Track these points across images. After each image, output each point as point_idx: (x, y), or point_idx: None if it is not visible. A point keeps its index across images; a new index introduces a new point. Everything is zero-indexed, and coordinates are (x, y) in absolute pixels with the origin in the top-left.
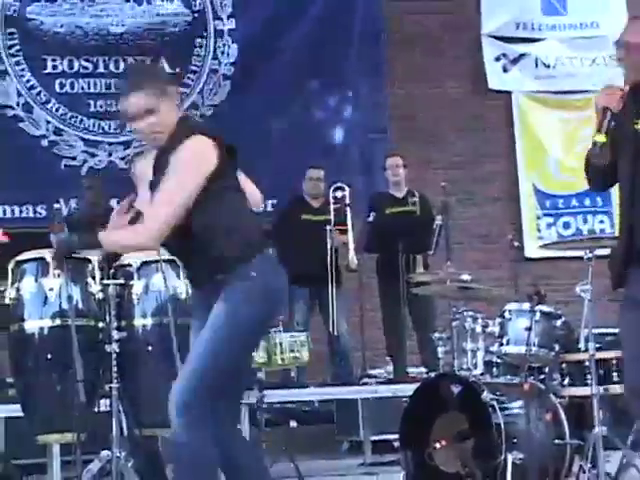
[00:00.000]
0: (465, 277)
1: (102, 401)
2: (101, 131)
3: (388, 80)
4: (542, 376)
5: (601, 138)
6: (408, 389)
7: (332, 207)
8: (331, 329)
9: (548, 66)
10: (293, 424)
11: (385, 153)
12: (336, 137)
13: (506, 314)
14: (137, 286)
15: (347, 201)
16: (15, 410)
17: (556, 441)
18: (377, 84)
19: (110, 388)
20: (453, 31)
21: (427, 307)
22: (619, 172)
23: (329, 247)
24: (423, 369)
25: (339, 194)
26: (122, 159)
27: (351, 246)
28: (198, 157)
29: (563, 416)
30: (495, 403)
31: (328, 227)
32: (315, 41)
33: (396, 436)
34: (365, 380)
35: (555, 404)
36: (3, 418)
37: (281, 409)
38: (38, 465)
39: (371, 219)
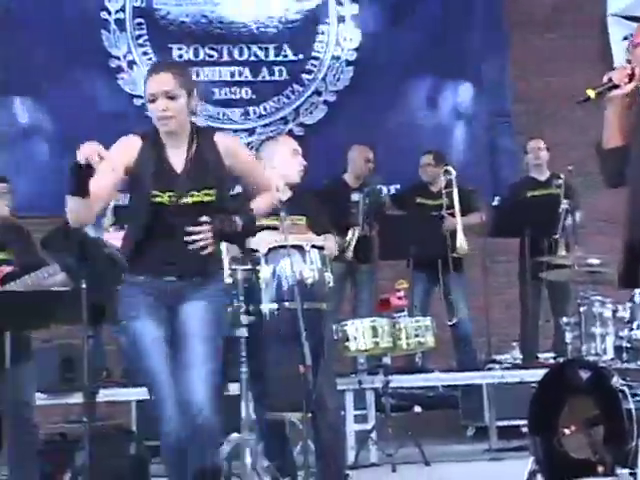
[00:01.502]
0: (593, 261)
1: (231, 385)
2: (226, 118)
3: (510, 63)
4: None
5: (591, 93)
6: (535, 375)
7: (443, 191)
8: (449, 315)
9: None
10: (418, 409)
11: (509, 137)
12: (459, 122)
13: (636, 298)
14: (265, 271)
15: (454, 185)
16: (147, 393)
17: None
18: (500, 67)
19: (239, 372)
20: (577, 11)
21: (565, 291)
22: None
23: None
24: (550, 354)
25: (447, 177)
26: (247, 145)
27: (459, 231)
28: None
29: None
30: (625, 389)
31: (442, 212)
32: (437, 26)
33: (522, 422)
34: (490, 365)
35: None
36: (135, 401)
37: (406, 394)
38: None
39: (496, 203)
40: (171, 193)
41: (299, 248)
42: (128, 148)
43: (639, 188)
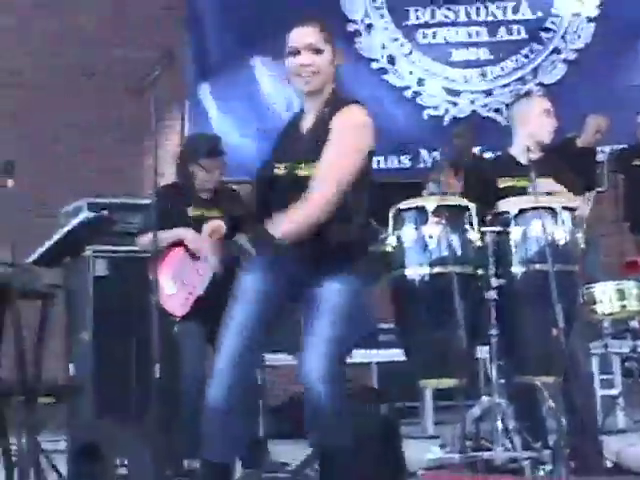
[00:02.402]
0: None
1: (481, 348)
2: (463, 80)
3: None
4: None
5: None
6: None
7: None
8: None
9: None
10: None
11: None
12: None
13: None
14: (515, 233)
15: None
16: (387, 355)
17: None
18: None
19: (489, 335)
20: None
21: None
22: None
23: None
24: None
25: None
26: (484, 107)
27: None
28: (366, 129)
29: None
30: None
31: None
32: None
33: None
34: None
35: None
36: (375, 362)
37: None
38: (411, 408)
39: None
40: (285, 163)
41: (550, 210)
42: None
43: None
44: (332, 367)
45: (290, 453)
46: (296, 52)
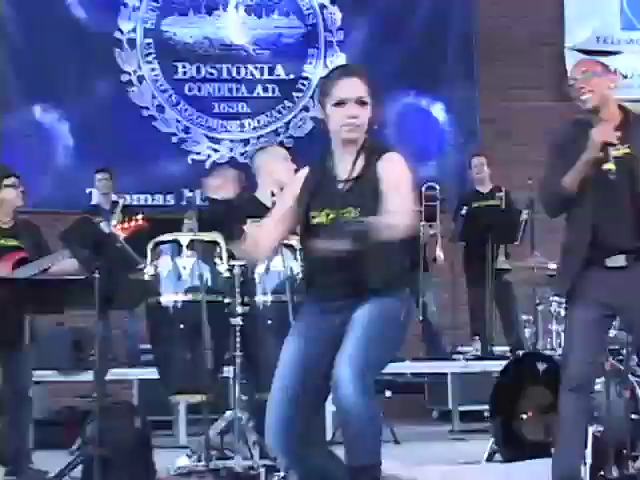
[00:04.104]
0: (551, 266)
1: (226, 368)
2: (224, 130)
3: (478, 87)
4: (621, 357)
5: (611, 166)
6: (495, 365)
7: (423, 204)
8: (420, 312)
9: (625, 77)
10: (388, 393)
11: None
12: (431, 139)
13: None
14: (259, 267)
15: (438, 200)
16: (147, 373)
17: (633, 416)
18: (469, 89)
19: (233, 356)
20: (538, 44)
21: (509, 293)
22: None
23: (420, 241)
24: (508, 348)
25: (430, 193)
26: (242, 154)
27: (438, 242)
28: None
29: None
30: None
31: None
32: (413, 52)
33: (481, 407)
34: (455, 356)
35: (633, 383)
36: (137, 380)
37: (378, 380)
38: (165, 422)
39: (464, 212)
40: (329, 210)
41: (289, 247)
42: (298, 177)
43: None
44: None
45: (53, 461)
46: (342, 103)
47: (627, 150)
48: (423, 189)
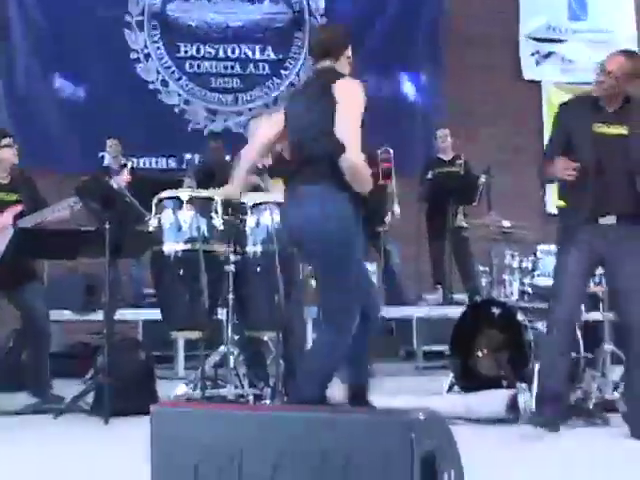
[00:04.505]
0: (506, 223)
1: (220, 309)
2: (220, 102)
3: (445, 69)
4: None
5: (562, 203)
6: (455, 311)
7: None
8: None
9: (571, 61)
10: None
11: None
12: (404, 113)
13: (537, 253)
14: (250, 220)
15: (392, 161)
16: (151, 314)
17: (573, 354)
18: (436, 69)
19: (227, 299)
20: (497, 31)
21: (467, 247)
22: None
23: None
24: (466, 295)
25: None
26: (236, 124)
27: (394, 199)
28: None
29: (579, 335)
30: (527, 323)
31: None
32: (389, 35)
33: (443, 347)
34: (420, 303)
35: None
36: (142, 320)
37: None
38: (166, 356)
39: (430, 176)
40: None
41: (278, 204)
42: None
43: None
44: None
45: (69, 389)
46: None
47: (624, 131)
48: (379, 152)
